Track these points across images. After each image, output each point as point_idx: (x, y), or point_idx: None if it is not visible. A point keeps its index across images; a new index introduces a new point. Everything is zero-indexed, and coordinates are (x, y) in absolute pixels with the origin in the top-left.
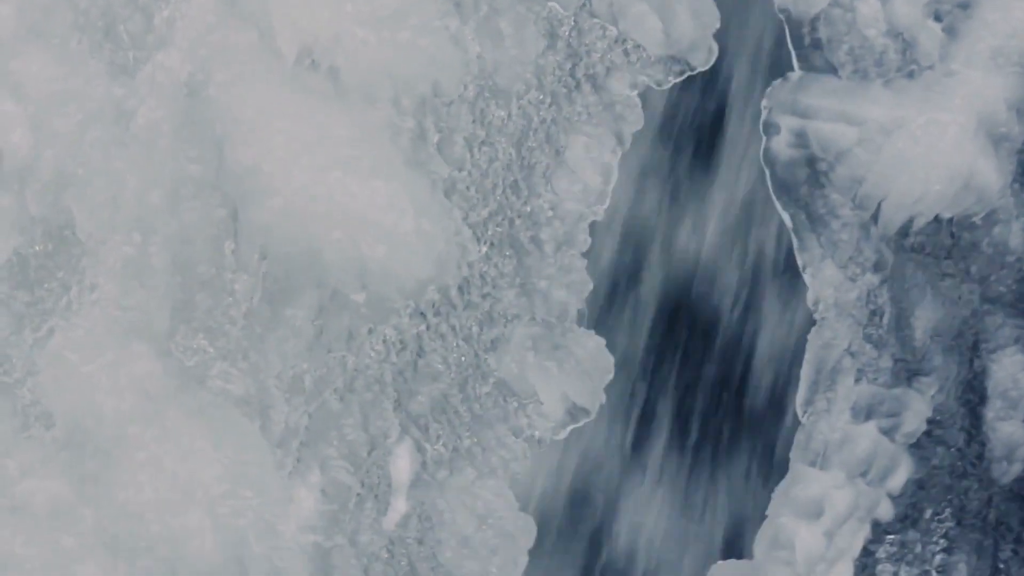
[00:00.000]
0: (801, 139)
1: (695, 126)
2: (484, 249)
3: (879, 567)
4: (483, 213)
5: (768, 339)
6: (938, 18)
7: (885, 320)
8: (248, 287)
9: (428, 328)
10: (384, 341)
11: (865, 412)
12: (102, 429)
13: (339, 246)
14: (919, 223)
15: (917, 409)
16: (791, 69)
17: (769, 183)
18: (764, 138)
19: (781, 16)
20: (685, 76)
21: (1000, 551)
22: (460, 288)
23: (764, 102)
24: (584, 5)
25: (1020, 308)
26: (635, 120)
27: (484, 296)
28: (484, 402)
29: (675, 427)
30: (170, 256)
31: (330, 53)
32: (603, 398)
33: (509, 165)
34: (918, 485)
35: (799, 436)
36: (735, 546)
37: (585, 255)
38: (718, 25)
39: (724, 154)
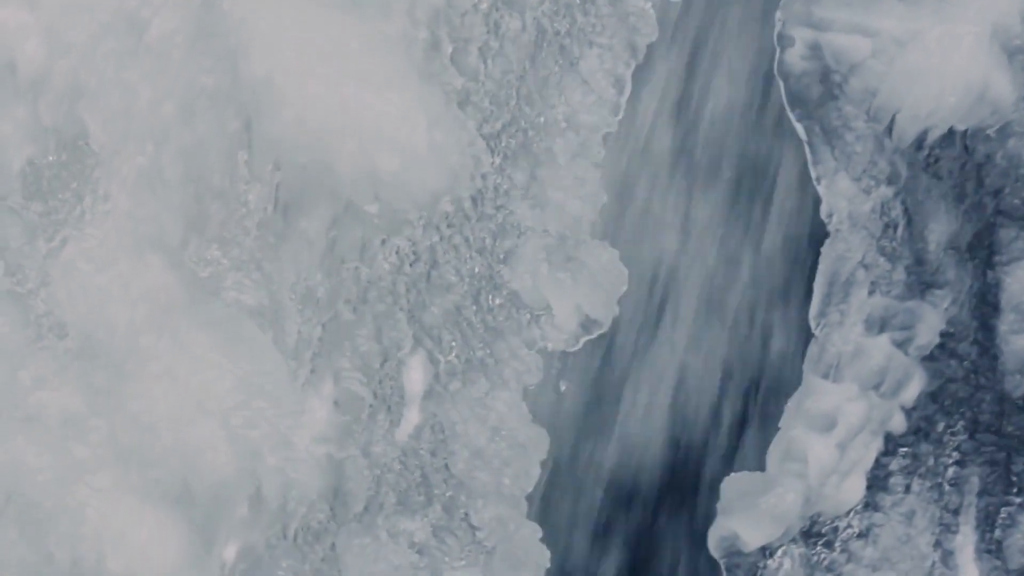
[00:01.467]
0: (815, 51)
1: (707, 39)
2: (497, 160)
3: (891, 480)
4: (497, 125)
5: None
6: None
7: (899, 232)
8: (261, 198)
9: (441, 239)
10: (397, 252)
11: (878, 325)
12: (115, 340)
13: (352, 158)
14: (933, 136)
15: (930, 322)
16: None
17: (783, 96)
18: (778, 50)
19: None
20: None
21: (1013, 464)
22: (473, 199)
23: (778, 14)
24: None
25: None
26: (649, 32)
27: (497, 208)
28: (497, 314)
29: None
30: (183, 167)
31: None
32: (617, 310)
33: (523, 76)
34: (931, 398)
35: (812, 349)
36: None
37: (599, 166)
38: None
39: (737, 67)
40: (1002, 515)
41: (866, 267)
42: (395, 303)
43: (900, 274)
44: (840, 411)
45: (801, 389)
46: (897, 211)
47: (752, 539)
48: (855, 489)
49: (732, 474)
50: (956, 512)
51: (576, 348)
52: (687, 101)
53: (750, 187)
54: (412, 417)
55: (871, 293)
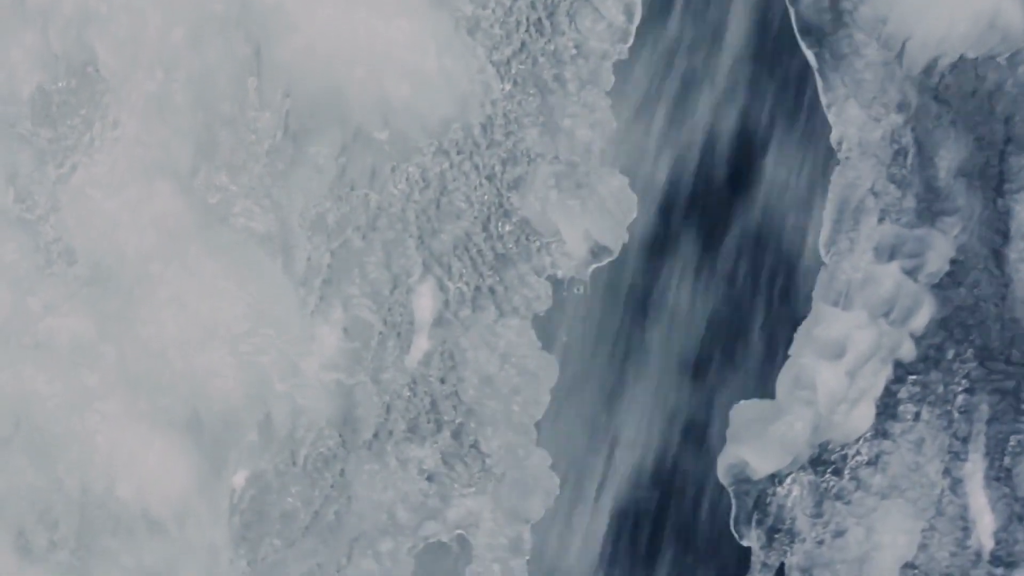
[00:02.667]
0: None
1: None
2: (507, 87)
3: (901, 407)
4: (506, 51)
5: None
6: None
7: (908, 160)
8: (271, 125)
9: (451, 166)
10: (407, 179)
11: (888, 252)
12: (124, 266)
13: (362, 84)
14: (943, 63)
15: (940, 249)
16: None
17: (793, 22)
18: None
19: None
20: None
21: (1022, 392)
22: (483, 126)
23: None
24: None
25: None
26: None
27: (507, 134)
28: (507, 241)
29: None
30: (193, 93)
31: None
32: (626, 237)
33: (533, 3)
34: (941, 325)
35: (822, 276)
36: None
37: (609, 94)
38: None
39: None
40: (1011, 443)
41: (876, 194)
42: (405, 230)
43: (910, 201)
44: (849, 339)
45: (810, 317)
46: (907, 138)
47: (761, 467)
48: (864, 417)
49: (741, 402)
50: (965, 440)
51: (586, 275)
52: (701, 35)
53: (768, 114)
54: (421, 344)
55: (881, 220)
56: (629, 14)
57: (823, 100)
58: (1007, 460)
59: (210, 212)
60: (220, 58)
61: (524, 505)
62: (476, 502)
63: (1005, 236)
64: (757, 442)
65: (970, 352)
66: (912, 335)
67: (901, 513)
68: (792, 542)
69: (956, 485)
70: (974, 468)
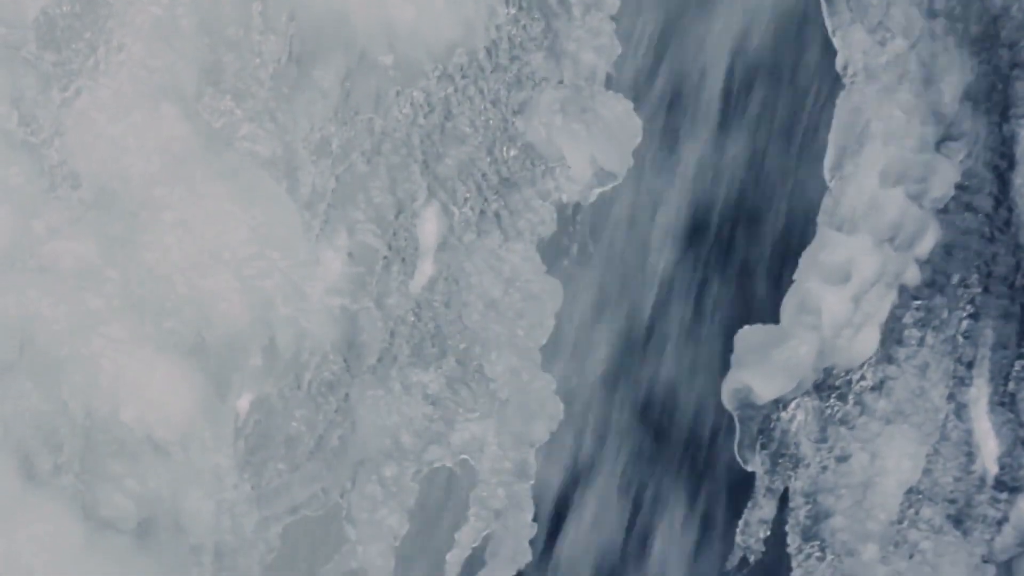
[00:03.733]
0: None
1: None
2: (512, 11)
3: (905, 332)
4: None
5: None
6: None
7: (914, 85)
8: (276, 49)
9: (456, 91)
10: (412, 104)
11: (893, 177)
12: (129, 190)
13: (367, 8)
14: None
15: (945, 174)
16: None
17: None
18: None
19: None
20: None
21: None
22: (488, 51)
23: None
24: None
25: None
26: None
27: (512, 59)
28: (511, 165)
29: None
30: (198, 17)
31: None
32: (631, 161)
33: None
34: (945, 250)
35: (827, 201)
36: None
37: (614, 18)
38: None
39: None
40: (1015, 368)
41: (881, 120)
42: (409, 155)
43: (915, 127)
44: (854, 264)
45: (816, 241)
46: (912, 63)
47: (765, 391)
48: (869, 342)
49: (746, 327)
50: (970, 365)
51: (591, 200)
52: None
53: (773, 39)
54: (426, 269)
55: (886, 146)
56: None
57: (828, 25)
58: (1011, 385)
59: (215, 136)
60: None
61: (528, 429)
62: (480, 426)
63: (1010, 161)
64: (761, 367)
65: (975, 277)
66: (917, 260)
67: (905, 438)
68: (796, 467)
69: (960, 410)
70: (978, 393)
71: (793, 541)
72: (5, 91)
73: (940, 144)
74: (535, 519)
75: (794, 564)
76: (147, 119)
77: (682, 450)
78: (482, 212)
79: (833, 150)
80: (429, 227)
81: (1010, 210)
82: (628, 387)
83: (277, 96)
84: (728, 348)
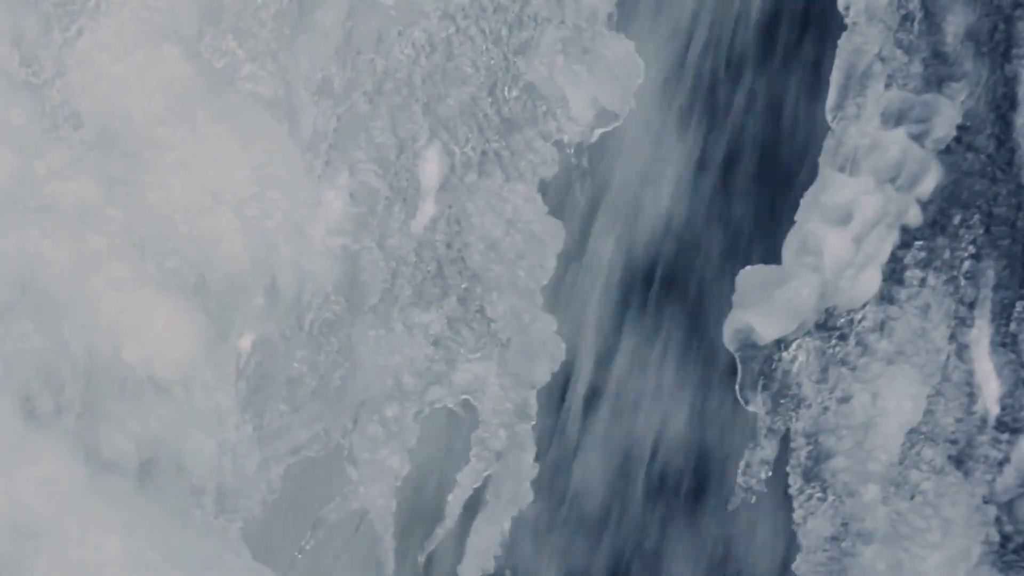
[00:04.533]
0: None
1: None
2: None
3: (907, 273)
4: None
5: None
6: None
7: (916, 25)
8: None
9: (457, 31)
10: (413, 44)
11: (895, 118)
12: (131, 130)
13: None
14: None
15: (947, 115)
16: None
17: None
18: None
19: None
20: None
21: None
22: None
23: None
24: None
25: None
26: None
27: None
28: (513, 105)
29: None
30: None
31: None
32: (632, 102)
33: None
34: (947, 191)
35: (828, 142)
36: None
37: None
38: None
39: None
40: (1017, 309)
41: (883, 60)
42: (411, 95)
43: (917, 67)
44: (856, 204)
45: (817, 182)
46: (914, 3)
47: (767, 332)
48: (870, 282)
49: (747, 267)
50: (971, 306)
51: (592, 140)
52: None
53: None
54: (427, 209)
55: (888, 86)
56: None
57: None
58: (1013, 326)
59: (216, 77)
60: None
61: (530, 370)
62: (482, 367)
63: (1012, 101)
64: (763, 307)
65: (976, 218)
66: (919, 200)
67: (907, 379)
68: (797, 408)
69: (962, 350)
70: (980, 334)
71: (794, 482)
72: (6, 32)
73: (942, 84)
74: (537, 459)
75: (795, 505)
76: (149, 59)
77: (683, 391)
78: (483, 152)
79: (835, 91)
80: (430, 167)
81: (1012, 151)
82: (630, 326)
83: (279, 36)
84: (729, 289)
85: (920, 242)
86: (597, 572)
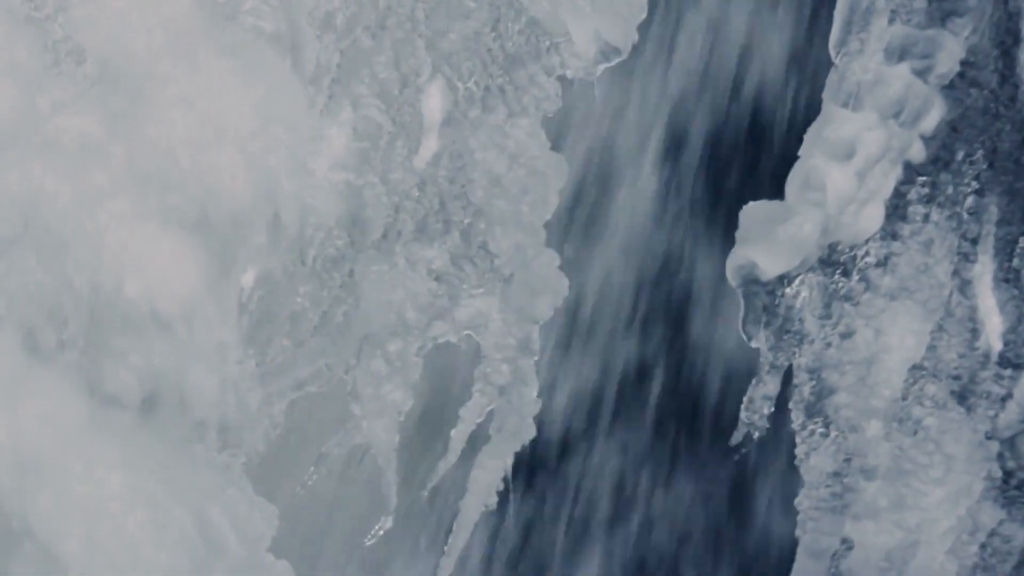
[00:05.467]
0: None
1: None
2: None
3: (910, 209)
4: None
5: None
6: None
7: None
8: None
9: None
10: None
11: (898, 53)
12: (133, 65)
13: None
14: None
15: (951, 50)
16: None
17: None
18: None
19: None
20: None
21: None
22: None
23: None
24: None
25: None
26: None
27: None
28: (516, 40)
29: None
30: None
31: None
32: (636, 37)
33: None
34: (950, 127)
35: (832, 77)
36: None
37: None
38: None
39: None
40: (1020, 244)
41: None
42: (414, 29)
43: (920, 2)
44: (859, 140)
45: (820, 118)
46: None
47: (770, 268)
48: (874, 218)
49: (750, 203)
50: (974, 241)
51: (596, 76)
52: None
53: None
54: (430, 144)
55: (891, 21)
56: None
57: None
58: (1016, 261)
59: (219, 10)
60: None
61: (533, 305)
62: (485, 302)
63: (1015, 37)
64: (766, 243)
65: (980, 154)
66: (922, 136)
67: (910, 314)
68: (800, 343)
69: (965, 286)
70: (983, 270)
71: (797, 418)
72: None
73: (946, 20)
74: (539, 394)
75: (798, 440)
76: None
77: (685, 326)
78: (487, 88)
79: (838, 26)
80: (433, 103)
81: (1016, 86)
82: (631, 261)
83: None
84: (733, 224)
85: (923, 178)
86: (601, 512)
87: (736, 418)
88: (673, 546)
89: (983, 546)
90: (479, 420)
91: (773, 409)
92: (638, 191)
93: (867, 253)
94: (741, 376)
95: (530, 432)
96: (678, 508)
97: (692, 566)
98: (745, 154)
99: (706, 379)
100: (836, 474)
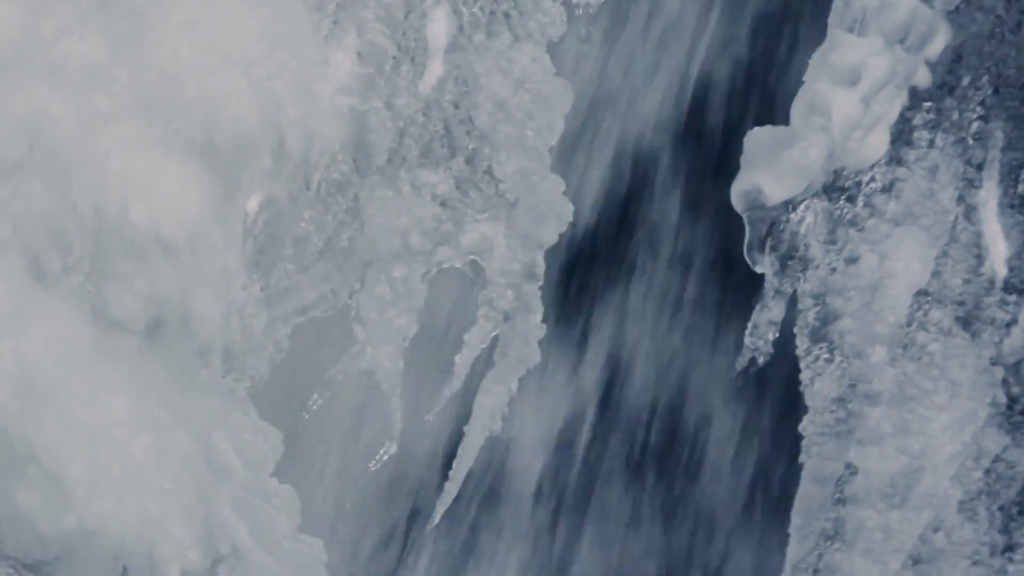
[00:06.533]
0: None
1: None
2: None
3: (915, 134)
4: None
5: None
6: None
7: None
8: None
9: None
10: None
11: None
12: None
13: None
14: None
15: None
16: None
17: None
18: None
19: None
20: None
21: None
22: None
23: None
24: None
25: None
26: None
27: None
28: None
29: None
30: None
31: None
32: None
33: None
34: (956, 52)
35: (837, 2)
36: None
37: None
38: None
39: None
40: None
41: None
42: None
43: None
44: (865, 65)
45: (826, 43)
46: None
47: (775, 193)
48: (879, 143)
49: (756, 128)
50: (980, 167)
51: (601, 1)
52: None
53: None
54: (435, 69)
55: None
56: None
57: None
58: (1021, 187)
59: None
60: None
61: (538, 231)
62: (490, 228)
63: None
64: (771, 168)
65: (985, 79)
66: (927, 61)
67: (915, 240)
68: (805, 269)
69: (970, 212)
70: (988, 195)
71: (801, 343)
72: None
73: None
74: (544, 320)
75: (802, 366)
76: None
77: (691, 248)
78: (491, 12)
79: None
80: (438, 27)
81: (1021, 12)
82: (635, 180)
83: None
84: (737, 150)
85: (928, 103)
86: (617, 424)
87: (741, 343)
88: (678, 469)
89: (987, 471)
90: (483, 345)
91: (778, 335)
92: (640, 116)
93: (872, 179)
94: (746, 301)
95: (534, 357)
96: (684, 438)
97: (698, 493)
98: (749, 78)
99: (709, 300)
100: (840, 400)
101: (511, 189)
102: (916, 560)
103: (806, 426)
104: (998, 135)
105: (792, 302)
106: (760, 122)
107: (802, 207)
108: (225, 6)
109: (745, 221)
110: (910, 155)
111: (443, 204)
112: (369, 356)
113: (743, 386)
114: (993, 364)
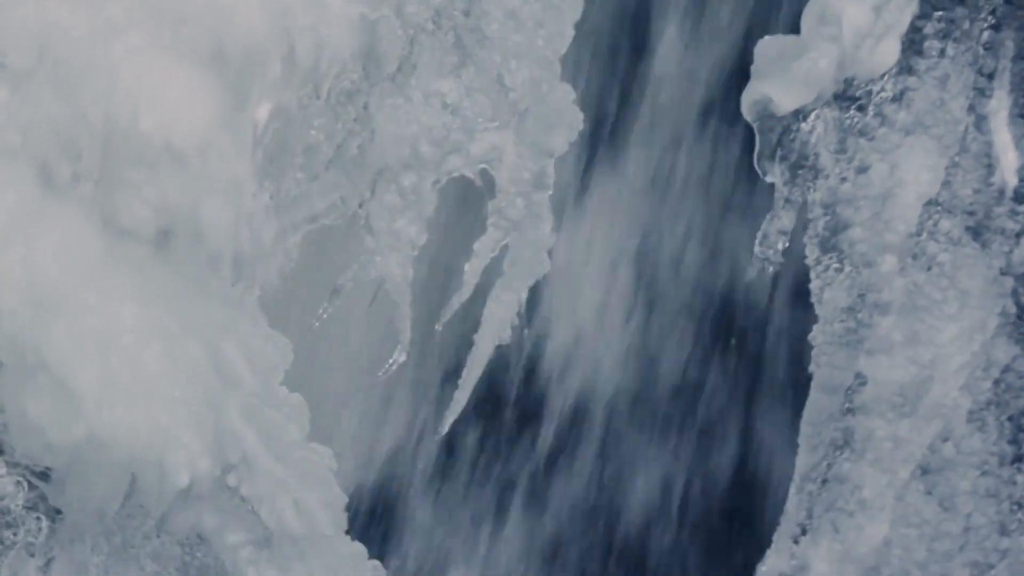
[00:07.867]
0: None
1: None
2: None
3: (926, 43)
4: None
5: None
6: None
7: None
8: None
9: None
10: None
11: None
12: None
13: None
14: None
15: None
16: None
17: None
18: None
19: None
20: None
21: None
22: None
23: None
24: None
25: None
26: None
27: None
28: None
29: None
30: None
31: None
32: None
33: None
34: None
35: None
36: None
37: None
38: None
39: None
40: None
41: None
42: None
43: None
44: None
45: None
46: None
47: (785, 102)
48: (889, 52)
49: (765, 37)
50: (990, 76)
51: None
52: None
53: None
54: None
55: None
56: None
57: None
58: None
59: None
60: None
61: (547, 139)
62: (499, 136)
63: None
64: (781, 78)
65: None
66: None
67: (925, 149)
68: (815, 178)
69: (980, 122)
70: (999, 105)
71: (811, 252)
72: None
73: None
74: (553, 228)
75: (812, 275)
76: None
77: (700, 161)
78: None
79: None
80: None
81: None
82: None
83: None
84: (748, 59)
85: (939, 12)
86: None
87: (751, 252)
88: (683, 383)
89: (997, 382)
90: (493, 254)
91: (788, 244)
92: (653, 30)
93: (882, 88)
94: (756, 211)
95: (544, 267)
96: (689, 354)
97: (705, 402)
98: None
99: (719, 211)
100: (850, 309)
101: (521, 97)
102: (925, 470)
103: (816, 336)
104: (1009, 44)
105: (802, 211)
106: (770, 32)
107: (812, 116)
108: None
109: (755, 130)
110: (921, 64)
111: (453, 112)
112: (379, 265)
113: (752, 297)
114: (1003, 274)
